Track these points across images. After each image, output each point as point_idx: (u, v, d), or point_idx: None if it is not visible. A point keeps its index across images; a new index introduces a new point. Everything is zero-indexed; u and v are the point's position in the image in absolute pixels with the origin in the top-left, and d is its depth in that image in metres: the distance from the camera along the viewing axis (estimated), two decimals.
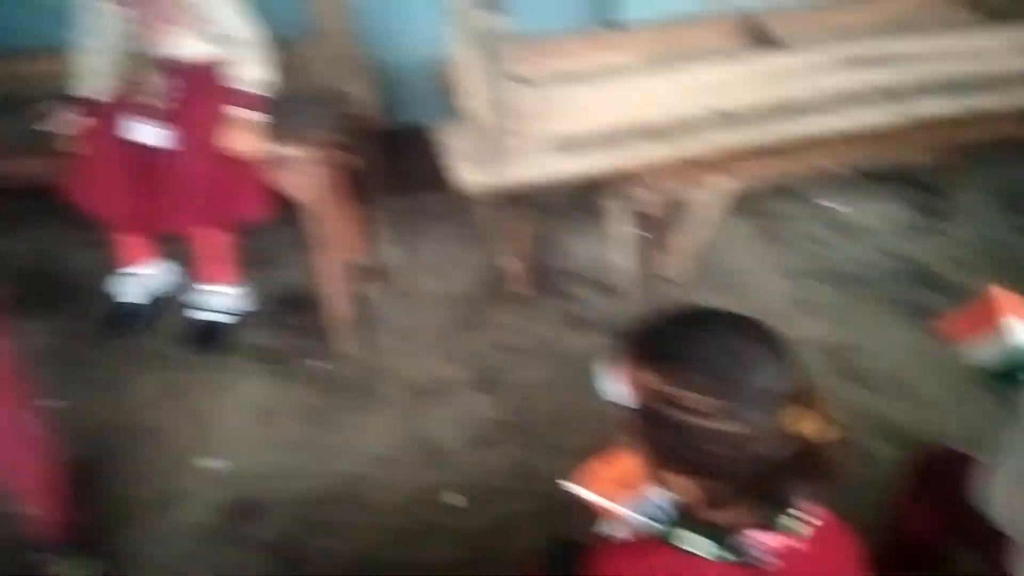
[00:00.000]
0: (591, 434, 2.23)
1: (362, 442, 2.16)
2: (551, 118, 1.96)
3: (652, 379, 0.85)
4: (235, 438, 2.18)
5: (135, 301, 2.41)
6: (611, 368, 0.90)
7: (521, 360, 2.38)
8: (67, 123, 2.04)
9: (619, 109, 1.99)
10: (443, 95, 2.37)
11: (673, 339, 0.87)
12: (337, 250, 2.23)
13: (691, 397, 0.82)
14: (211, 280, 2.32)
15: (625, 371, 0.88)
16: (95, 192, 2.00)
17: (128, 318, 2.41)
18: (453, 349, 2.42)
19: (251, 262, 2.53)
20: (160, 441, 2.17)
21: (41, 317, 2.54)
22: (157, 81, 2.00)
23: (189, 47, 1.99)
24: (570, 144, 1.95)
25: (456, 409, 2.25)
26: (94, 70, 2.04)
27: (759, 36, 2.32)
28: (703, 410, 0.81)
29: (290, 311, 2.53)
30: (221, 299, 2.36)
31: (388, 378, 2.33)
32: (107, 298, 2.45)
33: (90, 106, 2.04)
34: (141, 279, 2.39)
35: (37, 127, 2.06)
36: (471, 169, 1.92)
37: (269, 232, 2.62)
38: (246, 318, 2.46)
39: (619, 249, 2.46)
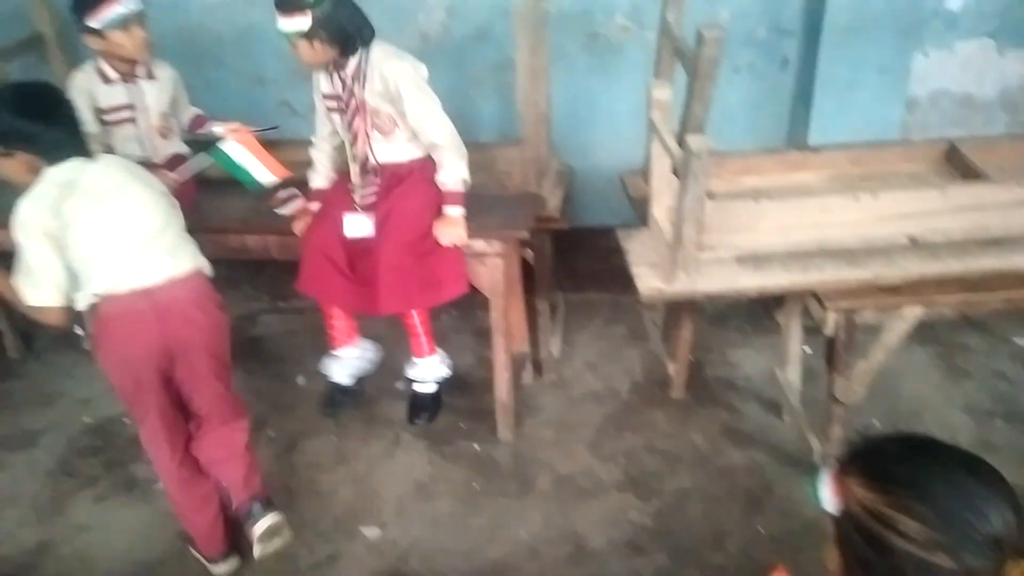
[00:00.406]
0: (743, 554, 2.17)
1: (512, 529, 2.20)
2: (736, 232, 1.99)
3: (872, 497, 0.87)
4: (393, 509, 2.29)
5: (345, 382, 2.58)
6: (830, 477, 0.92)
7: (675, 467, 2.36)
8: (295, 207, 2.32)
9: (806, 228, 2.00)
10: (624, 201, 2.48)
11: (902, 463, 0.89)
12: (507, 339, 2.34)
13: (909, 524, 0.84)
14: (420, 354, 2.47)
15: (844, 483, 0.90)
16: (313, 273, 2.23)
17: (340, 398, 2.60)
18: (607, 447, 2.43)
19: None
20: (323, 503, 2.31)
21: (239, 376, 2.81)
22: (368, 177, 2.23)
23: (397, 149, 2.21)
24: (754, 259, 1.97)
25: (606, 509, 2.25)
26: (320, 164, 2.33)
27: (956, 164, 2.28)
28: (919, 539, 0.83)
29: (456, 392, 2.65)
30: (429, 370, 2.50)
31: (542, 469, 2.38)
32: (323, 378, 2.61)
33: (314, 194, 2.31)
34: (349, 360, 2.55)
35: (276, 209, 2.35)
36: (651, 275, 1.98)
37: (440, 314, 2.80)
38: (447, 384, 2.58)
39: (789, 366, 2.41)
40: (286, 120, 2.92)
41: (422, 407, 2.55)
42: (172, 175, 2.21)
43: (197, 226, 2.33)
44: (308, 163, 2.73)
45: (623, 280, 2.21)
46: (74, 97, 2.25)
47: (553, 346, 2.79)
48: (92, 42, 2.21)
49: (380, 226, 2.16)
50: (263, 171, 2.21)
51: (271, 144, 2.81)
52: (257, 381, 2.81)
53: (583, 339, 2.91)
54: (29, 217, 1.70)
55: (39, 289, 1.75)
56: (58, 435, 2.60)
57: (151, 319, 1.81)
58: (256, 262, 2.59)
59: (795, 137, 2.81)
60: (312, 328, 3.05)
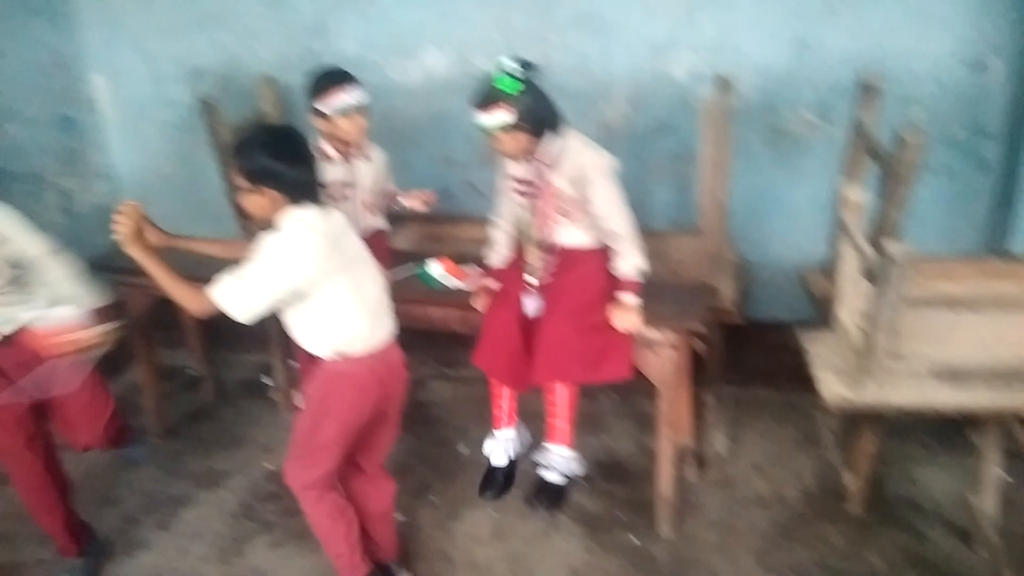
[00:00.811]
0: None
1: None
2: (933, 342, 1.88)
3: None
4: None
5: (503, 463, 2.63)
6: None
7: None
8: (478, 284, 2.44)
9: (1012, 343, 1.85)
10: (801, 298, 2.41)
11: None
12: (672, 430, 2.30)
13: None
14: (554, 440, 2.51)
15: None
16: (489, 349, 2.31)
17: (498, 480, 2.63)
18: (774, 559, 2.30)
19: (586, 426, 2.70)
20: None
21: (406, 438, 2.94)
22: (543, 258, 2.31)
23: (576, 234, 2.29)
24: (952, 373, 1.85)
25: None
26: (500, 244, 2.45)
27: None
28: None
29: (615, 480, 2.63)
30: (560, 461, 2.53)
31: (699, 571, 2.28)
32: (484, 460, 2.66)
33: (492, 272, 2.42)
34: (507, 442, 2.62)
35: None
36: (836, 381, 1.90)
37: (600, 395, 2.80)
38: (576, 481, 2.59)
39: (983, 492, 2.20)
40: (469, 199, 3.11)
41: (545, 496, 2.54)
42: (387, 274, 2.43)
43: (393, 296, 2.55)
44: (487, 240, 2.90)
45: (796, 379, 2.13)
46: None
47: (718, 442, 2.71)
48: (318, 123, 2.47)
49: (549, 302, 2.23)
50: (456, 283, 2.52)
51: (453, 220, 3.03)
52: (422, 445, 2.92)
53: (750, 438, 2.80)
54: (297, 257, 1.81)
55: (248, 309, 1.83)
56: (242, 478, 2.81)
57: (378, 380, 1.98)
58: (429, 330, 2.72)
59: (994, 243, 2.63)
60: (477, 398, 3.15)
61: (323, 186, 1.99)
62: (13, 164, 2.92)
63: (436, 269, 2.58)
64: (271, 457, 2.90)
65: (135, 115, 3.30)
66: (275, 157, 1.84)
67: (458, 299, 2.48)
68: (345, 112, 2.42)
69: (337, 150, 2.52)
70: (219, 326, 3.24)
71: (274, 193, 1.85)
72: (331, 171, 2.55)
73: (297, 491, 2.07)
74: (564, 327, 2.18)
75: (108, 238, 3.32)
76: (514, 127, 2.11)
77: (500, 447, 2.61)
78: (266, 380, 3.37)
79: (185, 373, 3.30)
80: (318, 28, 2.99)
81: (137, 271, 2.78)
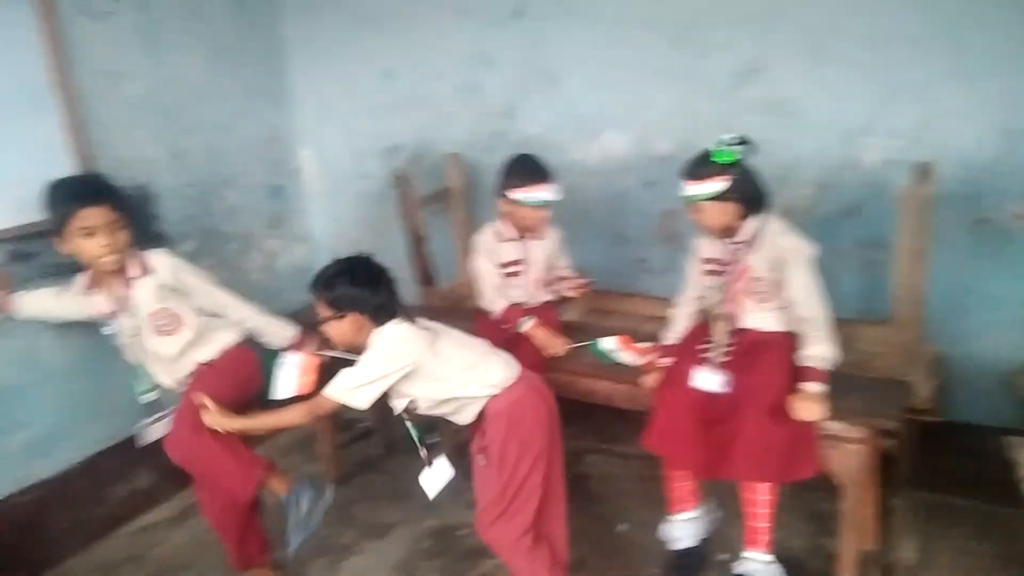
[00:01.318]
0: None
1: None
2: None
3: None
4: None
5: (689, 544, 2.47)
6: None
7: None
8: (649, 360, 2.43)
9: None
10: (1007, 400, 2.22)
11: None
12: (854, 534, 2.15)
13: None
14: (756, 547, 2.31)
15: None
16: (663, 431, 2.26)
17: (685, 563, 2.49)
18: None
19: None
20: None
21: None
22: (728, 340, 2.27)
23: (765, 318, 2.24)
24: None
25: None
26: (679, 323, 2.44)
27: None
28: None
29: None
30: (763, 570, 2.31)
31: None
32: (653, 535, 2.54)
33: (667, 350, 2.41)
34: (690, 523, 2.46)
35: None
36: None
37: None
38: None
39: None
40: (639, 276, 3.13)
41: None
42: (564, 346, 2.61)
43: (553, 367, 2.60)
44: (654, 317, 2.89)
45: (999, 490, 1.94)
46: (481, 253, 2.72)
47: (907, 552, 2.49)
48: (502, 204, 2.61)
49: (741, 391, 2.16)
50: (629, 359, 2.53)
51: (623, 296, 3.06)
52: (578, 520, 2.88)
53: (943, 550, 2.55)
54: (406, 347, 2.07)
55: (365, 398, 2.09)
56: (406, 532, 2.89)
57: (537, 396, 2.18)
58: (590, 403, 2.72)
59: None
60: (637, 476, 3.10)
61: (402, 305, 2.16)
62: (228, 225, 3.27)
63: (609, 344, 2.60)
64: (434, 514, 2.98)
65: (334, 185, 3.62)
66: (354, 283, 2.07)
67: (626, 375, 2.48)
68: (534, 206, 2.56)
69: (515, 232, 2.66)
70: None
71: (358, 317, 2.07)
72: (508, 251, 2.70)
73: (508, 547, 2.18)
74: (766, 422, 2.09)
75: (303, 295, 3.64)
76: (725, 196, 2.13)
77: (683, 530, 2.45)
78: (436, 438, 3.48)
79: (356, 426, 3.48)
80: (506, 111, 3.17)
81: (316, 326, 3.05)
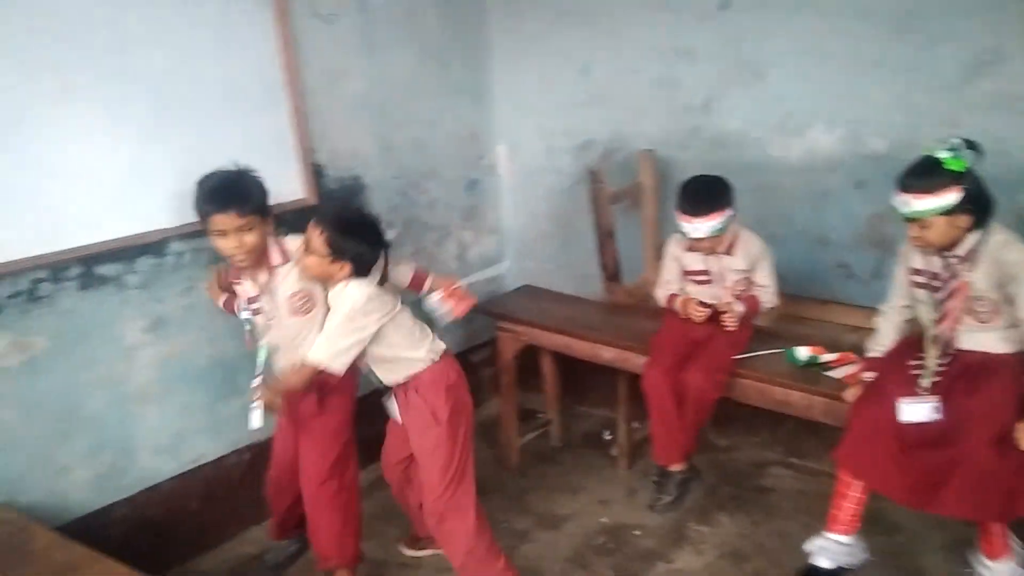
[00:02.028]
0: None
1: None
2: None
3: None
4: None
5: (826, 567, 2.30)
6: None
7: None
8: (850, 373, 2.29)
9: None
10: None
11: None
12: None
13: None
14: (988, 553, 2.13)
15: None
16: (860, 450, 2.13)
17: None
18: None
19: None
20: None
21: (740, 518, 2.84)
22: (941, 361, 2.08)
23: (986, 339, 2.03)
24: None
25: None
26: (884, 335, 2.27)
27: None
28: None
29: None
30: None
31: None
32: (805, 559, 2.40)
33: (870, 363, 2.25)
34: (841, 547, 2.28)
35: (830, 372, 2.39)
36: None
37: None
38: None
39: None
40: (841, 283, 2.94)
41: None
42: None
43: (745, 374, 2.52)
44: (856, 327, 2.70)
45: None
46: (667, 256, 2.73)
47: None
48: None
49: (959, 418, 1.97)
50: (829, 370, 2.43)
51: (821, 303, 2.89)
52: (757, 533, 2.78)
53: None
54: (374, 309, 2.18)
55: (341, 361, 2.17)
56: (579, 525, 2.92)
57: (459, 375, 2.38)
58: (778, 413, 2.59)
59: None
60: (826, 494, 2.91)
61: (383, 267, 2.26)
62: (428, 216, 3.45)
63: (803, 353, 2.48)
64: (606, 511, 2.99)
65: (526, 180, 3.71)
66: (364, 241, 2.18)
67: (826, 386, 2.35)
68: (693, 237, 2.52)
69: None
70: (574, 379, 3.53)
71: (346, 267, 2.16)
72: (694, 261, 2.68)
73: (452, 514, 2.35)
74: (989, 453, 1.91)
75: (488, 285, 3.78)
76: (958, 210, 1.93)
77: (831, 549, 2.28)
78: (607, 436, 3.49)
79: (536, 417, 3.55)
80: (703, 107, 3.09)
81: (510, 317, 3.14)
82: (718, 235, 2.52)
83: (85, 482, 2.46)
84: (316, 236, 2.16)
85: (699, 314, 2.62)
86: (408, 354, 2.28)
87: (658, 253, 3.16)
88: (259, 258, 2.29)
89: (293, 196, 2.84)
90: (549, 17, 3.41)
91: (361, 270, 2.19)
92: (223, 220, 2.19)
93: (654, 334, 2.74)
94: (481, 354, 3.81)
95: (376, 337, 2.22)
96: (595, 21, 3.29)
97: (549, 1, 3.39)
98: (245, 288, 2.34)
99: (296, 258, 2.29)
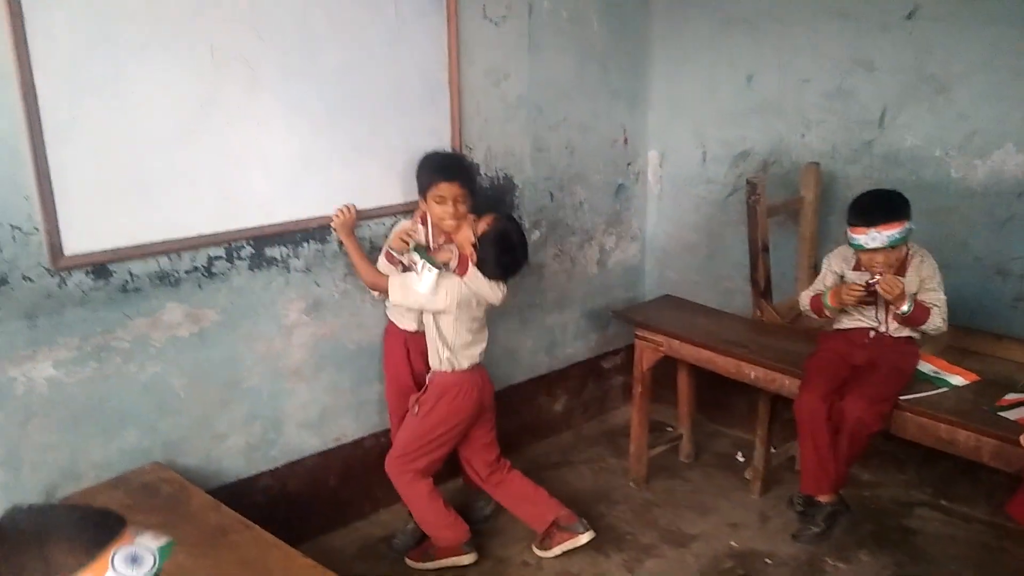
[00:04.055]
0: None
1: None
2: None
3: None
4: None
5: None
6: None
7: None
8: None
9: None
10: None
11: None
12: None
13: None
14: None
15: None
16: None
17: None
18: None
19: None
20: None
21: (878, 557, 2.66)
22: None
23: None
24: None
25: None
26: None
27: None
28: None
29: None
30: None
31: None
32: None
33: None
34: None
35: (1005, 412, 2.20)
36: None
37: None
38: None
39: None
40: (1021, 318, 2.69)
41: None
42: None
43: (908, 407, 2.35)
44: None
45: None
46: (826, 268, 2.64)
47: None
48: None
49: None
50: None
51: (996, 337, 2.65)
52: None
53: None
54: (450, 300, 2.49)
55: (400, 299, 2.55)
56: (707, 547, 2.82)
57: (475, 391, 2.63)
58: (931, 451, 2.40)
59: None
60: (978, 543, 2.73)
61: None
62: (573, 219, 3.43)
63: (927, 368, 2.38)
64: (736, 535, 2.87)
65: (675, 188, 3.63)
66: (498, 263, 2.50)
67: (999, 428, 2.16)
68: (862, 250, 2.39)
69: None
70: (710, 395, 3.42)
71: (473, 265, 2.48)
72: (854, 277, 2.52)
73: (397, 479, 2.67)
74: None
75: (627, 292, 3.72)
76: None
77: None
78: (741, 457, 3.36)
79: (666, 430, 3.47)
80: (878, 121, 2.91)
81: (650, 326, 3.08)
82: (895, 247, 2.37)
83: (238, 450, 2.60)
84: (483, 225, 2.50)
85: (854, 295, 2.46)
86: (434, 348, 2.59)
87: (813, 272, 3.01)
88: (457, 227, 2.58)
89: None
90: (714, 23, 3.31)
91: (483, 272, 2.51)
92: (448, 188, 2.54)
93: (809, 356, 2.61)
94: (612, 361, 3.77)
95: (434, 320, 2.55)
96: (763, 28, 3.17)
97: (715, 7, 3.30)
98: (420, 236, 2.64)
99: (457, 220, 2.56)
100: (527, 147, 3.17)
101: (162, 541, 1.11)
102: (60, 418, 2.21)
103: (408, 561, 2.75)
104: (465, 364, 2.59)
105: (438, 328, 2.56)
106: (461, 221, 2.56)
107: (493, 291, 2.55)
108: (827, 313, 2.59)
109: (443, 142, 2.87)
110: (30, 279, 2.10)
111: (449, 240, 2.61)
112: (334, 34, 2.52)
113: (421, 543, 2.79)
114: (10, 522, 1.06)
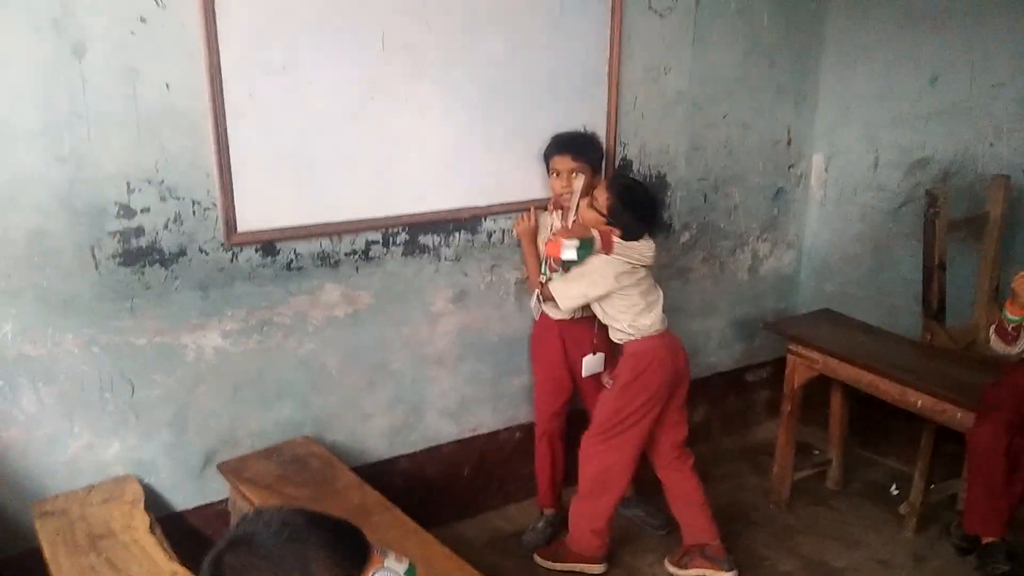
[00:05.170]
0: None
1: None
2: None
3: None
4: None
5: None
6: None
7: None
8: None
9: None
10: None
11: None
12: None
13: None
14: None
15: None
16: None
17: None
18: None
19: None
20: None
21: None
22: None
23: None
24: None
25: None
26: None
27: None
28: None
29: None
30: None
31: None
32: None
33: None
34: None
35: None
36: None
37: None
38: None
39: None
40: None
41: None
42: None
43: None
44: None
45: None
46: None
47: None
48: None
49: None
50: None
51: None
52: None
53: None
54: (606, 279, 2.43)
55: (568, 305, 2.52)
56: None
57: (669, 356, 2.54)
58: None
59: None
60: None
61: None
62: (726, 222, 3.28)
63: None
64: (886, 573, 2.65)
65: (839, 194, 3.39)
66: (641, 218, 2.45)
67: None
68: None
69: None
70: (866, 420, 3.18)
71: (616, 232, 2.43)
72: None
73: (590, 460, 2.56)
74: None
75: (779, 302, 3.53)
76: None
77: None
78: (895, 490, 3.11)
79: (813, 453, 3.26)
80: None
81: (805, 342, 2.89)
82: None
83: (381, 431, 2.66)
84: (603, 197, 2.45)
85: None
86: (613, 323, 2.53)
87: (995, 295, 2.74)
88: (581, 201, 2.58)
89: None
90: (897, 18, 3.06)
91: (627, 238, 2.45)
92: (559, 161, 2.60)
93: (991, 385, 2.36)
94: (758, 374, 3.58)
95: (599, 305, 2.52)
96: (952, 26, 2.90)
97: (898, 1, 3.05)
98: (553, 221, 2.67)
99: (577, 201, 2.57)
100: (683, 145, 3.06)
101: (405, 564, 1.09)
102: (224, 386, 2.34)
103: (537, 558, 2.72)
104: (650, 327, 2.49)
105: (604, 311, 2.51)
106: (579, 198, 2.56)
107: (644, 251, 2.47)
108: (1010, 329, 2.32)
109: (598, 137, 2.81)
110: (205, 252, 2.22)
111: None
112: (496, 21, 2.52)
113: (552, 542, 2.76)
114: (264, 529, 1.03)
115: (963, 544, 2.45)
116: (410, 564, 1.09)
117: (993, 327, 2.41)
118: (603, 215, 2.43)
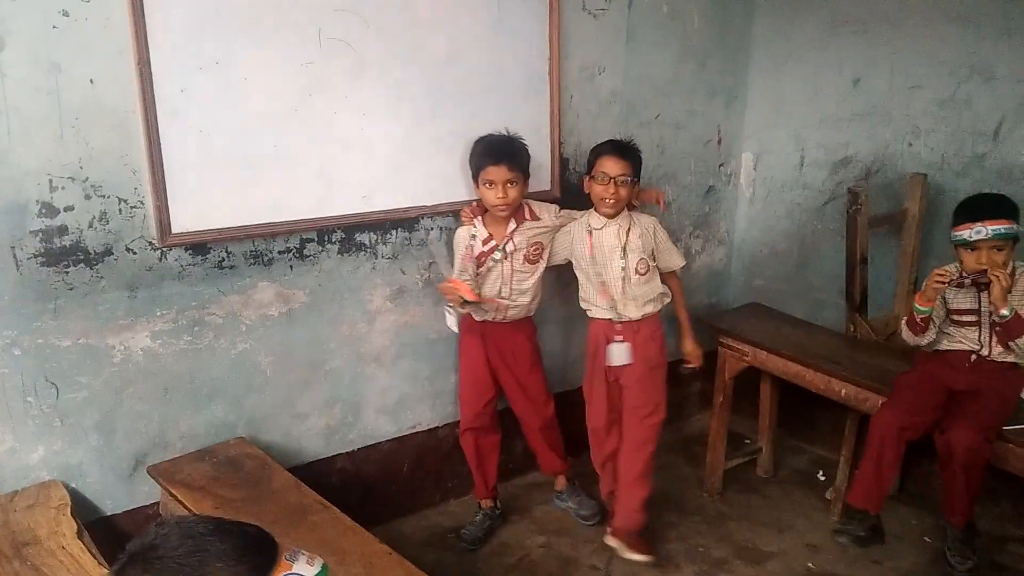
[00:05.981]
0: None
1: None
2: None
3: None
4: None
5: None
6: None
7: None
8: None
9: None
10: None
11: None
12: None
13: None
14: None
15: None
16: None
17: None
18: None
19: None
20: None
21: None
22: None
23: None
24: None
25: None
26: None
27: None
28: None
29: None
30: None
31: None
32: None
33: None
34: None
35: None
36: None
37: None
38: None
39: None
40: None
41: None
42: None
43: (1013, 438, 2.21)
44: None
45: None
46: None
47: None
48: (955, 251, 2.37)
49: None
50: None
51: None
52: None
53: None
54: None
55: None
56: (783, 566, 2.72)
57: None
58: None
59: None
60: None
61: None
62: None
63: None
64: (814, 557, 2.76)
65: (767, 192, 3.50)
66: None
67: None
68: (963, 244, 2.32)
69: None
70: (793, 410, 3.29)
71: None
72: (959, 296, 2.45)
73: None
74: None
75: (710, 297, 3.62)
76: None
77: None
78: (822, 476, 3.23)
79: (744, 442, 3.36)
80: (992, 133, 2.74)
81: (736, 335, 2.98)
82: (1001, 245, 2.27)
83: (318, 431, 2.64)
84: (620, 166, 2.52)
85: (939, 280, 2.35)
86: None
87: (913, 288, 2.86)
88: (513, 212, 2.57)
89: (540, 187, 2.86)
90: (822, 23, 3.18)
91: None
92: (496, 172, 2.49)
93: (901, 373, 2.50)
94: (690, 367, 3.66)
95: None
96: (874, 31, 3.02)
97: (824, 6, 3.16)
98: (479, 231, 2.60)
99: (508, 206, 2.53)
100: None
101: (317, 567, 1.08)
102: (153, 388, 2.29)
103: (608, 538, 2.75)
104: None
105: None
106: (513, 208, 2.54)
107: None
108: (919, 320, 2.46)
109: (542, 136, 2.84)
110: (133, 252, 2.17)
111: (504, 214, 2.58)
112: (437, 20, 2.52)
113: (490, 535, 2.80)
114: (164, 542, 1.02)
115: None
116: (323, 566, 1.08)
117: (905, 319, 2.54)
118: (633, 181, 2.59)
